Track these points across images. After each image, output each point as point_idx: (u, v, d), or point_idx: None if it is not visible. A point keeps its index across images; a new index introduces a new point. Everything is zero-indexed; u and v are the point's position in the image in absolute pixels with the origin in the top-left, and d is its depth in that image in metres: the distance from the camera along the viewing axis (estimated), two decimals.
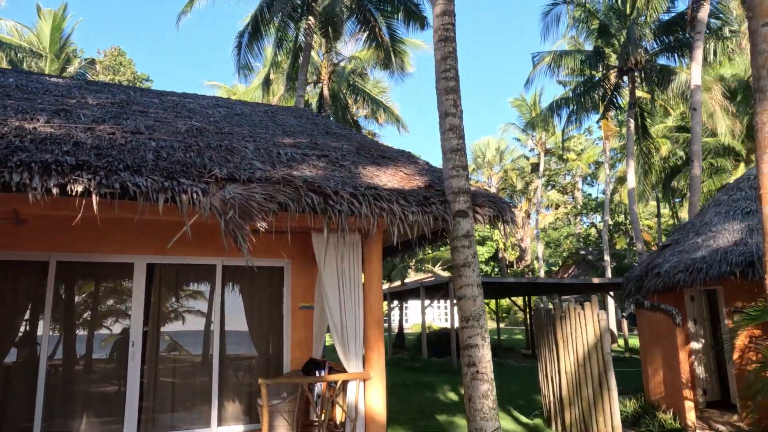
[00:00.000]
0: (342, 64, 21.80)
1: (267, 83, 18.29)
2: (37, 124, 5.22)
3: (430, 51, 22.24)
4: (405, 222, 4.98)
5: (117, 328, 7.25)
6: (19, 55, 21.48)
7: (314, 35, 15.83)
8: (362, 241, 6.21)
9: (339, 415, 6.89)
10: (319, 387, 6.71)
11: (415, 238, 6.95)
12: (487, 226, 5.58)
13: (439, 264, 37.50)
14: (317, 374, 6.65)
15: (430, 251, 38.50)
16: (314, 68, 21.72)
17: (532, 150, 42.07)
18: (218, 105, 9.80)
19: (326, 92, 21.25)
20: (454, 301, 18.62)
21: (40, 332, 6.74)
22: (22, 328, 6.73)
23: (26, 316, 6.78)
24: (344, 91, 22.28)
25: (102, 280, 7.35)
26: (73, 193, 3.89)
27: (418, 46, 22.12)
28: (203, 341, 7.64)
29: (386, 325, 27.61)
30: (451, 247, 5.31)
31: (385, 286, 31.21)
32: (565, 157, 41.25)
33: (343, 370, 6.14)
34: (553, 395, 8.48)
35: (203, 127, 6.72)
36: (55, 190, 3.85)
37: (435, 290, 19.82)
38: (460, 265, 5.18)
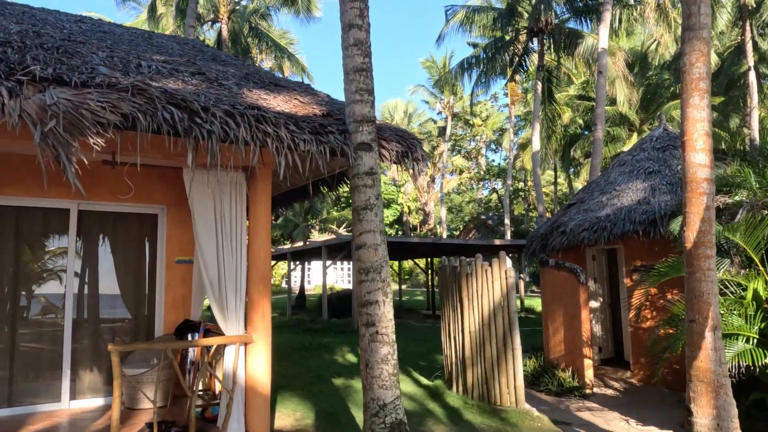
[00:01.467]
0: (243, 3, 19.92)
1: (153, 13, 16.16)
2: None
3: None
4: (295, 152, 4.04)
5: None
6: None
7: None
8: (247, 181, 5.21)
9: (219, 385, 5.97)
10: (193, 353, 5.73)
11: (311, 181, 6.03)
12: (395, 167, 4.77)
13: (344, 226, 36.87)
14: (190, 338, 5.66)
15: (335, 212, 37.68)
16: (212, 5, 19.67)
17: (439, 113, 42.09)
18: (81, 21, 8.16)
19: (225, 33, 19.37)
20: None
21: None
22: None
23: None
24: (245, 34, 20.46)
25: None
26: None
27: None
28: (51, 302, 6.33)
29: (286, 286, 26.65)
30: (351, 186, 4.46)
31: (287, 246, 30.08)
32: (471, 122, 41.64)
33: (222, 333, 5.20)
34: (456, 356, 8.06)
35: (46, 33, 5.30)
36: None
37: (337, 250, 19.10)
38: (361, 207, 4.36)
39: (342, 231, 36.10)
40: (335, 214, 35.17)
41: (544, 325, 9.54)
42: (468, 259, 8.15)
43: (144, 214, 6.90)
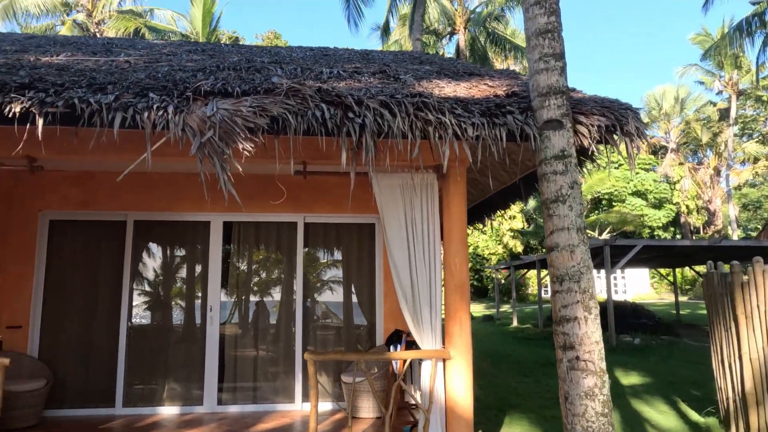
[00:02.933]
0: (477, 10, 19.78)
1: (386, 33, 17.11)
2: (52, 59, 4.62)
3: None
4: (463, 140, 3.45)
5: (197, 291, 6.77)
6: (174, 39, 23.03)
7: None
8: (439, 183, 4.77)
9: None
10: (396, 365, 5.49)
11: (518, 179, 5.29)
12: (601, 146, 3.77)
13: (607, 231, 33.74)
14: (392, 349, 5.43)
15: (593, 215, 34.73)
16: (448, 18, 20.02)
17: (719, 93, 35.56)
18: (311, 50, 8.86)
19: (462, 43, 19.48)
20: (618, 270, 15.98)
21: (120, 291, 6.46)
22: (104, 288, 6.51)
23: (108, 275, 6.55)
24: (482, 41, 20.27)
25: (178, 239, 6.89)
26: (10, 114, 3.08)
27: None
28: (283, 309, 6.84)
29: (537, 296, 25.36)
30: (538, 175, 3.65)
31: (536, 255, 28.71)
32: (764, 98, 34.12)
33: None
34: (733, 389, 6.24)
35: (256, 59, 5.74)
36: None
37: (591, 256, 17.25)
38: (551, 200, 3.52)
39: (605, 236, 33.04)
40: (592, 217, 32.39)
41: None
42: (747, 264, 6.27)
43: (362, 224, 7.04)
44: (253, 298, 6.91)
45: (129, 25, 20.35)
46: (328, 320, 7.06)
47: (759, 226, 40.63)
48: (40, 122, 3.13)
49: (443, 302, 4.80)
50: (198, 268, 6.84)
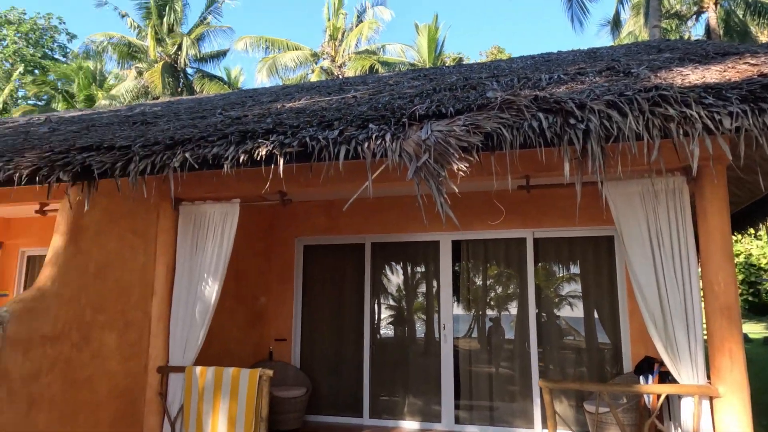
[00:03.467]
0: None
1: (616, 26, 15.54)
2: (294, 103, 5.23)
3: None
4: (718, 135, 2.83)
5: (430, 307, 6.96)
6: (403, 69, 24.65)
7: None
8: (690, 186, 4.05)
9: None
10: (648, 398, 4.75)
11: None
12: None
13: None
14: (642, 380, 4.72)
15: None
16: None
17: None
18: (532, 58, 8.53)
19: (713, 22, 16.83)
20: None
21: (362, 308, 6.98)
22: (349, 304, 7.12)
23: (350, 294, 7.14)
24: (740, 14, 17.23)
25: (410, 259, 7.20)
26: (258, 158, 3.52)
27: None
28: (516, 326, 6.59)
29: None
30: None
31: None
32: None
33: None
34: None
35: (473, 77, 5.70)
36: (242, 157, 3.56)
37: None
38: None
39: None
40: None
41: None
42: None
43: (598, 237, 6.44)
44: (485, 314, 6.82)
45: (365, 63, 22.42)
46: (568, 338, 6.57)
47: None
48: (281, 162, 3.50)
49: (704, 328, 4.03)
50: (430, 286, 7.04)
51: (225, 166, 3.60)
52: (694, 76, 3.45)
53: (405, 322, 7.20)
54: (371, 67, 22.24)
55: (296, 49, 23.73)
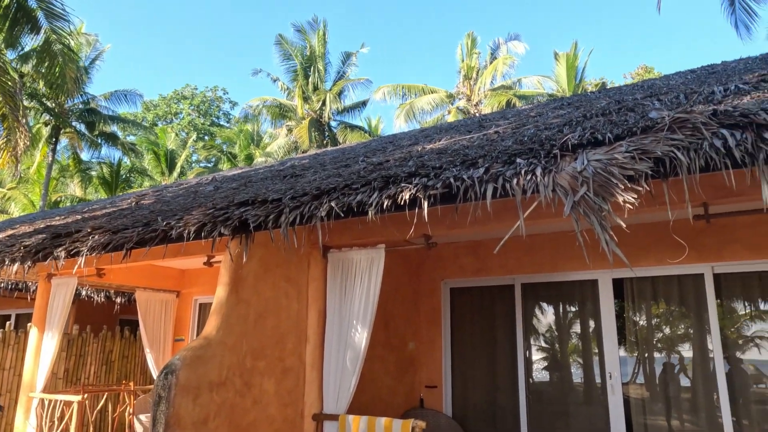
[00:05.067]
0: None
1: None
2: (434, 144, 5.16)
3: None
4: None
5: (591, 351, 6.33)
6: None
7: None
8: None
9: None
10: None
11: None
12: None
13: None
14: None
15: None
16: None
17: None
18: (692, 72, 7.70)
19: None
20: None
21: (516, 353, 6.57)
22: (501, 349, 6.74)
23: (501, 338, 6.77)
24: None
25: (565, 299, 6.67)
26: (402, 202, 3.44)
27: None
28: (695, 375, 5.72)
29: None
30: None
31: None
32: None
33: None
34: None
35: (627, 98, 5.21)
36: (386, 203, 3.50)
37: None
38: None
39: None
40: None
41: None
42: None
43: None
44: (652, 365, 6.02)
45: (501, 99, 22.15)
46: (764, 392, 5.55)
47: None
48: (425, 205, 3.38)
49: None
50: (588, 329, 6.43)
51: (369, 212, 3.57)
52: None
53: (562, 368, 6.62)
54: (508, 102, 21.90)
55: (431, 92, 24.19)
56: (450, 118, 23.69)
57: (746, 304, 5.84)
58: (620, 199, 2.68)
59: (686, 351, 5.92)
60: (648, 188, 2.74)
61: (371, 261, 4.98)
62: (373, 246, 4.98)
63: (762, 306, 5.73)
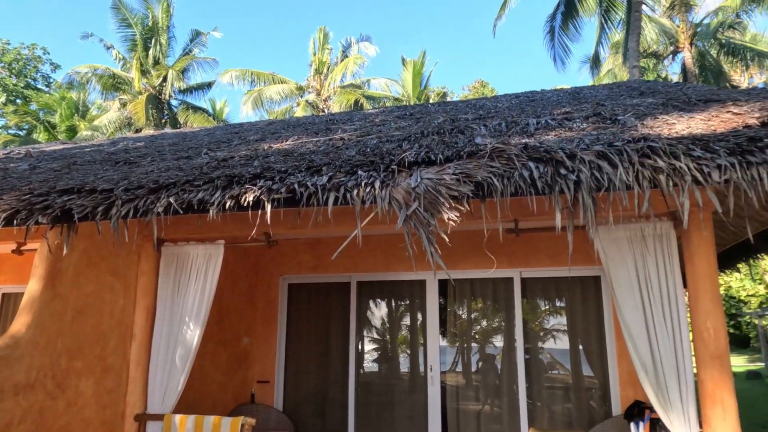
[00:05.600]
0: (705, 21, 17.50)
1: (596, 64, 15.96)
2: (281, 144, 5.20)
3: None
4: (709, 184, 2.85)
5: (417, 346, 6.86)
6: (387, 105, 24.93)
7: None
8: (677, 231, 4.07)
9: None
10: None
11: None
12: None
13: None
14: (633, 428, 4.66)
15: None
16: (669, 37, 18.09)
17: None
18: (516, 97, 8.65)
19: (688, 61, 17.35)
20: None
21: (348, 347, 6.85)
22: (334, 344, 6.99)
23: (335, 334, 7.02)
24: (714, 54, 17.79)
25: (396, 297, 7.14)
26: (246, 204, 3.45)
27: None
28: (503, 364, 6.51)
29: None
30: None
31: None
32: None
33: None
34: None
35: (459, 118, 5.74)
36: (229, 203, 3.49)
37: None
38: None
39: None
40: None
41: None
42: None
43: (585, 277, 6.43)
44: (473, 357, 6.74)
45: (350, 97, 22.63)
46: (555, 377, 6.52)
47: None
48: (268, 207, 3.44)
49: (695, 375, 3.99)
50: (416, 326, 6.96)
51: (210, 211, 3.53)
52: (680, 125, 3.49)
53: (391, 362, 7.09)
54: (356, 102, 22.46)
55: (282, 83, 23.91)
56: (299, 111, 23.64)
57: (546, 302, 6.78)
58: (445, 216, 3.00)
59: (498, 343, 6.70)
60: (468, 208, 3.11)
61: (209, 256, 4.88)
62: (212, 241, 4.88)
63: (558, 304, 6.70)
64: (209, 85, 25.99)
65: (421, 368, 6.74)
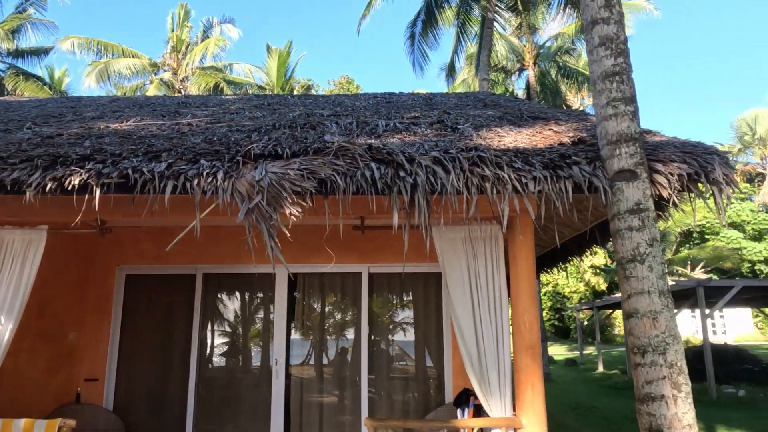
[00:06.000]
0: (547, 44, 19.41)
1: (452, 73, 17.04)
2: (121, 125, 4.82)
3: (655, 13, 18.47)
4: (525, 194, 3.19)
5: (263, 342, 6.77)
6: (250, 92, 24.20)
7: (500, 11, 14.06)
8: (505, 234, 4.47)
9: None
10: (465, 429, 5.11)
11: (589, 228, 4.89)
12: (687, 194, 3.37)
13: (700, 267, 31.33)
14: (459, 413, 5.08)
15: (686, 250, 32.40)
16: (517, 55, 19.78)
17: None
18: (375, 97, 8.90)
19: (532, 79, 19.11)
20: (707, 311, 14.59)
21: (190, 343, 6.55)
22: (175, 339, 6.64)
23: (178, 329, 6.68)
24: (553, 75, 19.80)
25: (245, 290, 6.97)
26: (69, 187, 3.16)
27: (640, 8, 18.54)
28: (351, 357, 6.67)
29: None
30: (612, 230, 3.30)
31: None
32: None
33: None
34: None
35: (315, 113, 5.76)
36: (50, 185, 3.17)
37: (684, 297, 15.98)
38: (627, 259, 3.15)
39: (699, 273, 30.68)
40: (683, 253, 30.22)
41: None
42: None
43: (428, 274, 6.80)
44: (319, 349, 6.81)
45: (209, 80, 21.59)
46: (402, 369, 6.83)
47: None
48: (97, 192, 3.18)
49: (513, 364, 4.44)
50: (264, 319, 6.87)
51: (27, 193, 3.18)
52: (509, 138, 3.85)
53: (236, 356, 6.92)
54: (216, 85, 21.50)
55: (133, 56, 22.08)
56: (152, 89, 22.04)
57: (392, 297, 7.06)
58: (288, 211, 3.01)
59: (346, 335, 6.84)
60: (311, 204, 3.15)
61: (28, 243, 4.37)
62: (33, 226, 4.39)
63: (406, 299, 7.02)
64: (46, 51, 23.19)
65: (267, 363, 6.67)
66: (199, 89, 21.39)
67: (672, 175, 3.20)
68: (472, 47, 16.53)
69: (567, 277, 31.57)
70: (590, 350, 28.06)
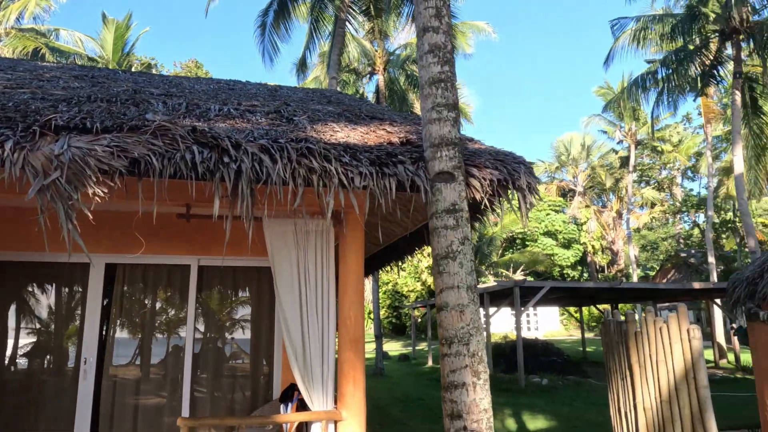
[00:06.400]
0: (398, 52, 20.17)
1: (303, 69, 17.00)
2: None
3: (494, 36, 20.13)
4: (350, 190, 3.23)
5: (70, 341, 6.06)
6: (79, 63, 21.74)
7: (354, 13, 14.30)
8: (336, 229, 4.51)
9: None
10: (286, 426, 5.08)
11: (412, 229, 5.13)
12: (500, 201, 3.68)
13: (521, 269, 34.76)
14: (282, 409, 5.03)
15: (509, 254, 35.80)
16: (369, 59, 20.27)
17: (620, 142, 38.26)
18: (218, 83, 8.48)
19: (381, 84, 19.70)
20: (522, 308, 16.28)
21: None
22: None
23: None
24: (401, 83, 20.62)
25: (50, 284, 6.19)
26: None
27: (481, 29, 20.07)
28: (173, 355, 6.26)
29: None
30: (429, 228, 3.49)
31: None
32: (659, 148, 37.02)
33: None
34: None
35: (142, 90, 5.31)
36: None
37: (503, 296, 17.61)
38: (441, 256, 3.35)
39: (519, 275, 34.03)
40: (506, 256, 33.36)
41: (759, 394, 7.17)
42: (660, 309, 6.42)
43: (261, 268, 6.63)
44: (146, 348, 6.28)
45: (28, 44, 19.01)
46: (234, 366, 6.55)
47: (656, 266, 43.54)
48: None
49: (337, 358, 4.49)
50: (75, 314, 6.15)
51: None
52: (342, 134, 3.88)
53: (40, 357, 6.11)
54: (36, 51, 19.01)
55: None
56: None
57: (222, 291, 6.75)
58: (91, 191, 2.71)
59: (172, 332, 6.39)
60: (121, 185, 2.87)
61: None
62: None
63: (241, 294, 6.76)
64: None
65: (75, 363, 5.99)
66: (14, 53, 18.70)
67: (485, 179, 3.48)
68: (325, 45, 16.57)
69: (399, 275, 33.08)
70: (422, 346, 29.75)
